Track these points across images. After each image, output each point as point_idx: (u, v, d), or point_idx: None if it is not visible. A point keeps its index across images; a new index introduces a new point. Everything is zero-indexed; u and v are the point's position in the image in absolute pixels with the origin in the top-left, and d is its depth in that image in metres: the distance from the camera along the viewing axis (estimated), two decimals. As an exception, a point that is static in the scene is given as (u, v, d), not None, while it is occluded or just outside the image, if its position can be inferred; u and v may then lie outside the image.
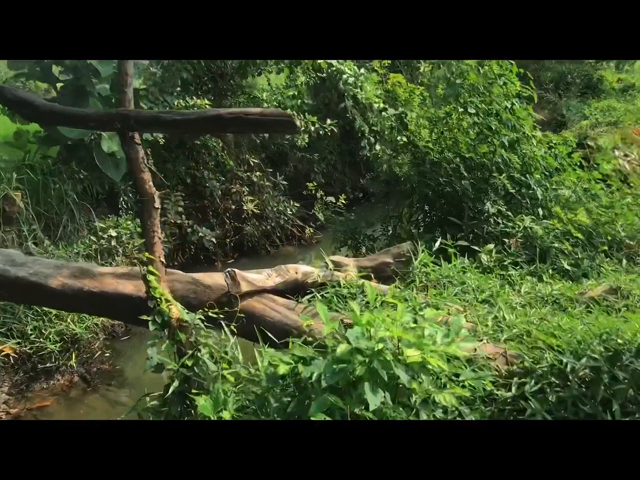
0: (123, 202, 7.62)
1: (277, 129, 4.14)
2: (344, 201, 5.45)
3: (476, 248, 4.47)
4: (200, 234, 7.65)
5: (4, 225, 6.01)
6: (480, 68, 5.21)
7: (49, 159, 7.37)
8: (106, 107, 6.92)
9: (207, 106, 7.34)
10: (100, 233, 6.96)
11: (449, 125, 5.09)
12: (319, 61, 8.11)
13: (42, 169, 7.03)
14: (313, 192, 6.27)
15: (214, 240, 7.77)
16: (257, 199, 8.75)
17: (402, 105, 5.63)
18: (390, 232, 5.49)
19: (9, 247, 5.96)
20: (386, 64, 6.76)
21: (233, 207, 8.60)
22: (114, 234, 6.95)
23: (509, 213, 4.82)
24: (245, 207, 8.54)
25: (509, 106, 5.06)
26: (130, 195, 7.71)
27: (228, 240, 8.54)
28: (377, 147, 8.09)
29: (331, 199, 5.66)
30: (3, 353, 5.18)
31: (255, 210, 8.61)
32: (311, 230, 9.26)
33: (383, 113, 6.68)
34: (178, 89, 7.63)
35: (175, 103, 7.17)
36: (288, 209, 8.89)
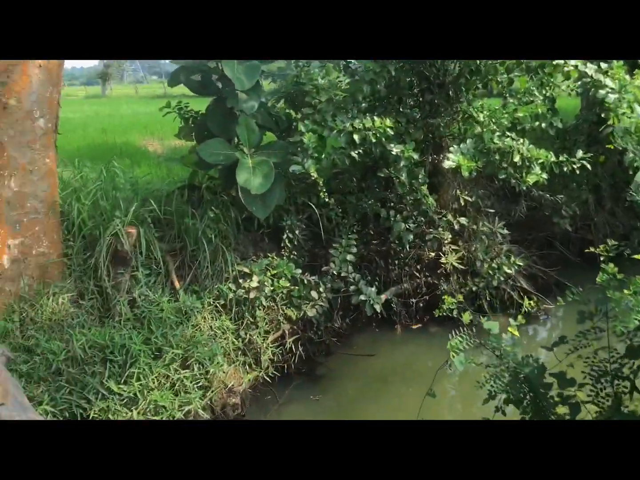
0: (287, 240, 6.02)
1: None
2: (515, 331, 2.86)
3: None
4: (362, 296, 5.62)
5: (116, 267, 4.89)
6: None
7: (216, 181, 6.14)
8: (256, 130, 5.33)
9: (388, 129, 5.21)
10: (240, 280, 5.49)
11: None
12: (569, 68, 5.27)
13: (201, 194, 5.82)
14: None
15: (376, 307, 5.65)
16: (464, 250, 6.33)
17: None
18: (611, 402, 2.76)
19: (119, 293, 4.86)
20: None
21: (431, 255, 6.35)
22: (254, 284, 5.40)
23: None
24: (444, 259, 6.21)
25: None
26: (297, 232, 6.07)
27: (415, 300, 6.35)
28: (661, 195, 5.14)
29: (493, 325, 3.11)
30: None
31: (458, 264, 6.22)
32: (536, 300, 6.47)
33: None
34: (363, 104, 5.65)
35: (348, 125, 5.20)
36: (506, 267, 6.25)
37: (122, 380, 4.28)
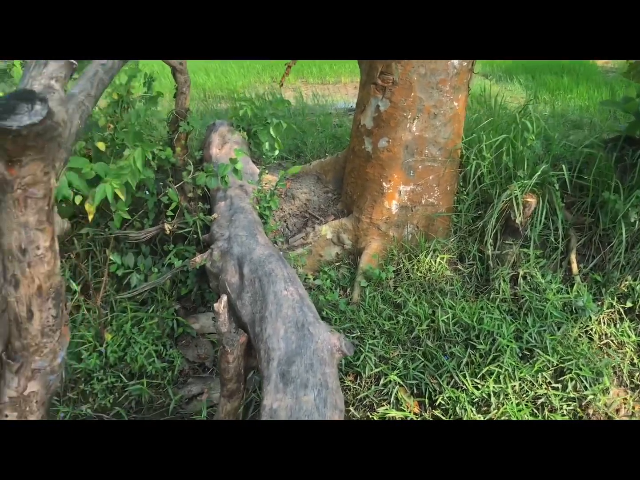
0: None
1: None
2: None
3: None
4: None
5: (505, 235, 4.17)
6: None
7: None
8: None
9: None
10: (662, 284, 4.08)
11: None
12: None
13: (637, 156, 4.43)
14: None
15: None
16: None
17: None
18: None
19: (502, 266, 4.17)
20: None
21: None
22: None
23: None
24: None
25: None
26: None
27: None
28: None
29: None
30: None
31: None
32: None
33: None
34: None
35: None
36: None
37: (480, 374, 3.71)
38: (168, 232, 3.73)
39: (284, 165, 5.36)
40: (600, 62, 10.49)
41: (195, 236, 3.93)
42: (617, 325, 4.09)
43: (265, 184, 4.42)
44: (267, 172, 4.30)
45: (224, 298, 2.68)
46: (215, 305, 2.65)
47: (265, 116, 4.85)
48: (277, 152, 4.65)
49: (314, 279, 4.42)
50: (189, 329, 3.97)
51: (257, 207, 4.12)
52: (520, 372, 3.68)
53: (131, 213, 3.86)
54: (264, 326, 2.74)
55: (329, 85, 10.15)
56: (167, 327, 3.93)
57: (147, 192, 3.97)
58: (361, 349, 3.90)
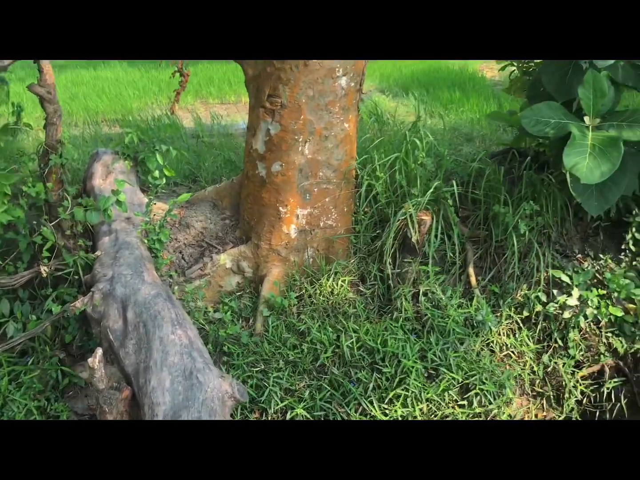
0: (631, 242, 4.39)
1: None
2: None
3: None
4: None
5: (404, 253, 4.14)
6: None
7: (546, 148, 4.74)
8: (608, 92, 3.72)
9: None
10: (555, 291, 4.18)
11: None
12: None
13: (521, 171, 4.54)
14: None
15: None
16: None
17: None
18: None
19: (403, 284, 4.12)
20: None
21: None
22: (573, 301, 4.06)
23: None
24: None
25: None
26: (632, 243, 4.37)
27: None
28: None
29: None
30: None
31: None
32: None
33: None
34: None
35: None
36: None
37: (387, 399, 3.62)
38: (45, 274, 3.38)
39: (179, 193, 5.09)
40: (488, 75, 10.94)
41: (77, 277, 3.60)
42: (516, 335, 4.15)
43: (155, 215, 4.15)
44: (154, 202, 4.03)
45: (99, 352, 2.41)
46: (90, 360, 2.38)
47: (153, 142, 4.58)
48: (164, 180, 4.39)
49: (214, 312, 4.18)
50: (76, 379, 3.61)
51: (146, 241, 3.84)
52: (427, 393, 3.63)
53: (2, 256, 3.47)
54: (148, 377, 2.50)
55: (229, 105, 9.92)
56: (50, 379, 3.55)
57: (20, 233, 3.59)
58: (265, 383, 3.71)
